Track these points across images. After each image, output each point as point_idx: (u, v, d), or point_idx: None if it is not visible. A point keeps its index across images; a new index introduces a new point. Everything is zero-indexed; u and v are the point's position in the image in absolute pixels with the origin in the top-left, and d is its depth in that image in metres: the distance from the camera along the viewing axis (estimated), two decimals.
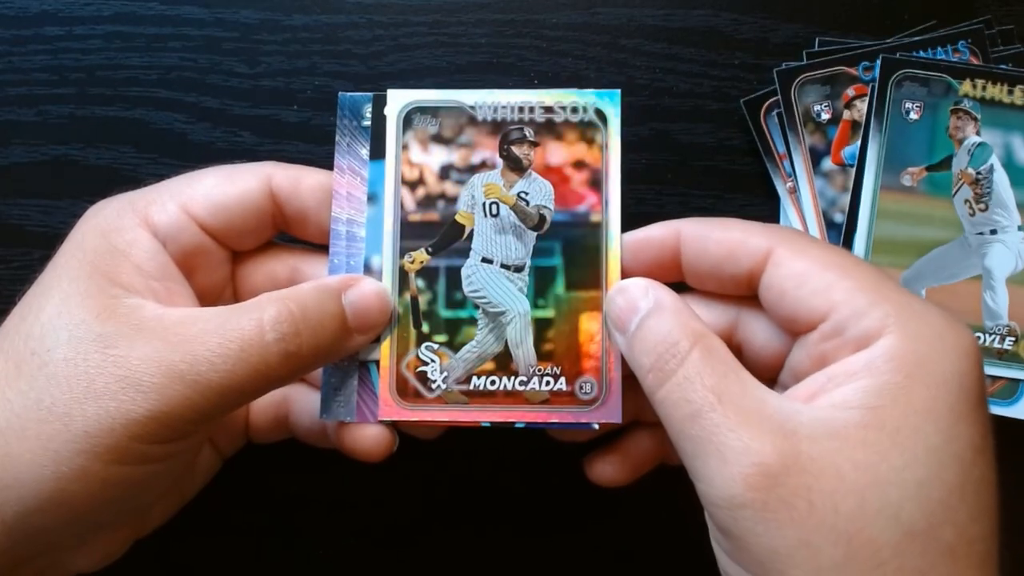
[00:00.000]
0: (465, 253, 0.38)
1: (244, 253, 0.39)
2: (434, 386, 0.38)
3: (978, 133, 0.44)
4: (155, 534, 0.39)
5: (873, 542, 0.28)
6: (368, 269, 0.38)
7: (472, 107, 0.38)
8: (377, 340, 0.38)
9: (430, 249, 0.38)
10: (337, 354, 0.36)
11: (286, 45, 0.46)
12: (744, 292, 0.36)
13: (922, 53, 0.45)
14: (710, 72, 0.46)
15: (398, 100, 0.38)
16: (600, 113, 0.38)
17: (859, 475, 0.28)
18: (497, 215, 0.38)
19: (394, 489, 0.45)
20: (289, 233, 0.39)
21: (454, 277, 0.38)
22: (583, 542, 0.46)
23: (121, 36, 0.46)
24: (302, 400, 0.40)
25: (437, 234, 0.38)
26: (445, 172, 0.38)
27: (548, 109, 0.38)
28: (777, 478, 0.29)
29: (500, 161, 0.38)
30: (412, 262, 0.38)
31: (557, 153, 0.38)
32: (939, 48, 0.45)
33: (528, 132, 0.38)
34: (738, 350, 0.37)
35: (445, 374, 0.37)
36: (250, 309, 0.33)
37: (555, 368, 0.37)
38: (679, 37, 0.46)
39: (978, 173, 0.44)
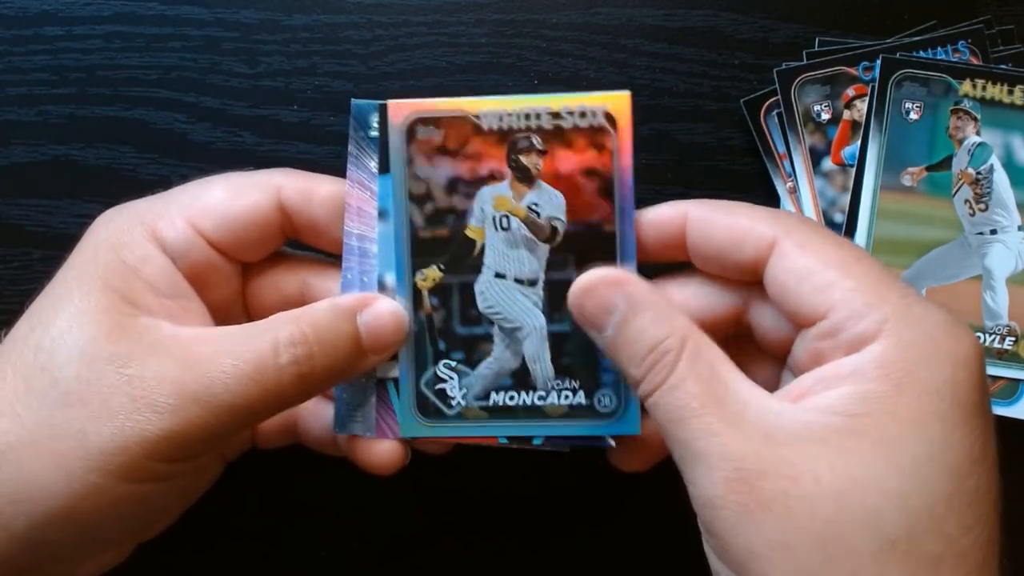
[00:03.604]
0: (478, 269, 0.37)
1: (254, 264, 0.39)
2: (454, 403, 0.37)
3: (978, 133, 0.45)
4: (157, 537, 0.39)
5: (851, 549, 0.28)
6: (382, 287, 0.37)
7: (477, 116, 0.37)
8: (395, 358, 0.37)
9: (442, 266, 0.37)
10: (351, 374, 0.36)
11: (286, 45, 0.46)
12: (749, 278, 0.35)
13: (922, 53, 0.45)
14: (710, 72, 0.46)
15: (400, 112, 0.37)
16: (610, 117, 0.36)
17: (837, 481, 0.28)
18: (508, 228, 0.37)
19: (399, 496, 0.46)
20: (300, 242, 0.39)
21: (468, 294, 0.37)
22: (589, 548, 0.46)
23: (121, 36, 0.46)
24: (311, 407, 0.40)
25: (448, 250, 0.37)
26: (452, 186, 0.37)
27: (555, 115, 0.36)
28: (755, 482, 0.29)
29: (508, 172, 0.37)
30: (425, 280, 0.37)
31: (567, 161, 0.37)
32: (939, 48, 0.45)
33: (535, 140, 0.36)
34: (748, 331, 0.37)
35: (464, 391, 0.37)
36: (264, 330, 0.33)
37: (573, 382, 0.37)
38: (679, 37, 0.46)
39: (978, 173, 0.44)
